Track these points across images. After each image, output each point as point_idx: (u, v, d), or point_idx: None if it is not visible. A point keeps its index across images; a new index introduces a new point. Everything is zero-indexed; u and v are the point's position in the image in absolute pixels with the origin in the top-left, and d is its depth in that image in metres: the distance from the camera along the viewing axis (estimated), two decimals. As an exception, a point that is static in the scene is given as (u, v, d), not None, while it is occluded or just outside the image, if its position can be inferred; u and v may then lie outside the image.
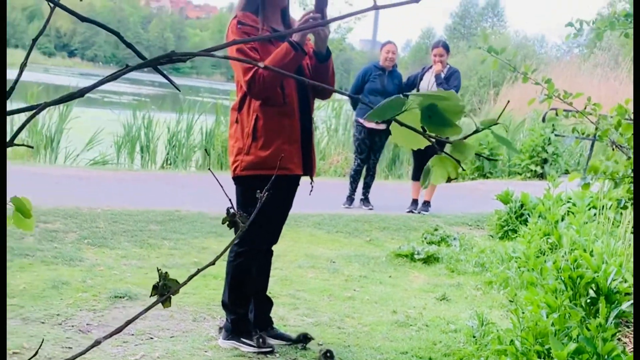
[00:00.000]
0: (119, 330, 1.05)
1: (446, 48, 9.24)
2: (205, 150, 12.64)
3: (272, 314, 4.82)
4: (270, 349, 4.41)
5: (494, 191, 8.74)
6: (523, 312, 4.39)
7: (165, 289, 1.10)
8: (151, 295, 1.10)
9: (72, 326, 4.59)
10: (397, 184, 12.48)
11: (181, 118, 13.48)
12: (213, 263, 1.12)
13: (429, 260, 6.93)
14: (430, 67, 9.32)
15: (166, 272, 1.13)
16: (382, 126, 9.08)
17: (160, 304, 1.10)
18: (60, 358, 4.03)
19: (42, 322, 4.60)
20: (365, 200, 9.56)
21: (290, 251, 6.88)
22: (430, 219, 8.89)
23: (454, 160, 0.91)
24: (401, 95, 0.91)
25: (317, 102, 13.52)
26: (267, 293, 4.89)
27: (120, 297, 5.14)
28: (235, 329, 4.45)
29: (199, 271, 1.12)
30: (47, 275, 5.42)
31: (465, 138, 0.91)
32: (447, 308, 5.61)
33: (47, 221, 6.87)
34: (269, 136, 4.16)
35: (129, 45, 1.06)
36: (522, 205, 8.16)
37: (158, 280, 1.12)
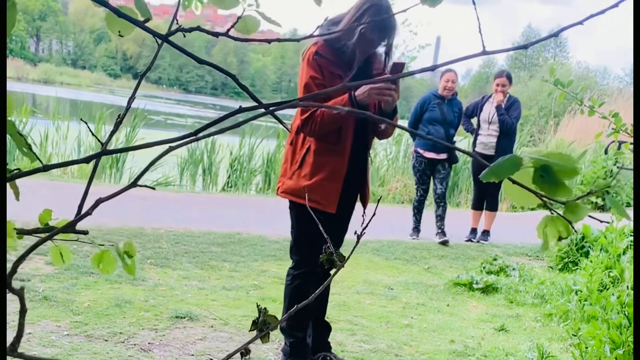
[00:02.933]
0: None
1: (509, 78, 9.18)
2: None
3: (330, 339, 4.86)
4: (330, 374, 4.45)
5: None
6: (587, 347, 4.34)
7: (264, 325, 1.15)
8: (250, 330, 1.16)
9: (134, 344, 4.70)
10: (456, 212, 12.40)
11: (244, 142, 13.68)
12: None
13: (488, 290, 6.88)
14: (491, 96, 9.28)
15: (265, 308, 1.18)
16: (443, 155, 8.98)
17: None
18: (122, 375, 4.14)
19: (105, 340, 4.71)
20: (441, 233, 9.17)
21: (349, 277, 6.91)
22: (489, 249, 8.82)
23: (566, 220, 0.95)
24: (517, 155, 0.95)
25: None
26: (325, 318, 4.93)
27: (182, 318, 5.23)
28: (294, 353, 4.50)
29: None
30: (110, 294, 5.56)
31: (578, 199, 0.95)
32: (505, 339, 5.56)
33: (112, 241, 7.02)
34: (314, 168, 4.20)
35: (243, 88, 1.12)
36: (583, 237, 8.04)
37: (257, 316, 1.18)
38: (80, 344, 4.58)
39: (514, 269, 7.66)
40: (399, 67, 4.01)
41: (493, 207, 9.61)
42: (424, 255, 8.22)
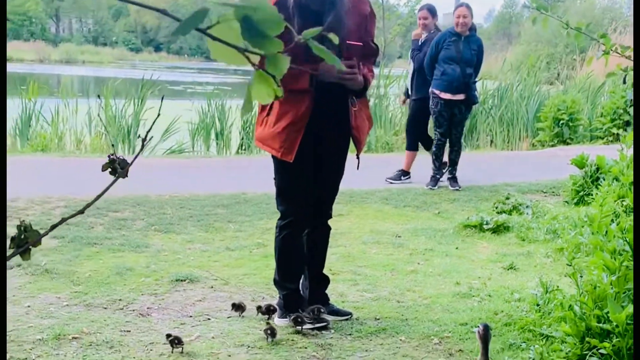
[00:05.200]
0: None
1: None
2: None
3: (331, 291, 4.81)
4: (325, 324, 4.39)
5: (573, 157, 8.41)
6: (581, 276, 4.22)
7: (23, 241, 1.07)
8: (9, 247, 1.08)
9: (133, 310, 4.69)
10: (473, 155, 12.21)
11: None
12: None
13: (499, 229, 6.75)
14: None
15: (24, 221, 1.10)
16: (460, 96, 8.54)
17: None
18: (117, 342, 4.12)
19: (104, 308, 4.71)
20: (452, 179, 8.84)
21: (356, 228, 6.84)
22: (504, 188, 8.65)
23: (268, 74, 0.85)
24: (205, 7, 0.86)
25: (390, 77, 13.24)
26: (328, 270, 4.88)
27: (182, 281, 5.21)
28: (287, 305, 4.44)
29: (63, 220, 1.09)
30: (112, 263, 5.56)
31: (282, 52, 0.85)
32: (514, 277, 5.46)
33: (117, 210, 7.05)
34: (278, 116, 4.19)
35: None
36: (597, 169, 7.84)
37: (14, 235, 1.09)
38: (78, 313, 4.58)
39: (527, 207, 7.51)
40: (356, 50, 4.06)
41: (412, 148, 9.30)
42: (435, 200, 8.10)
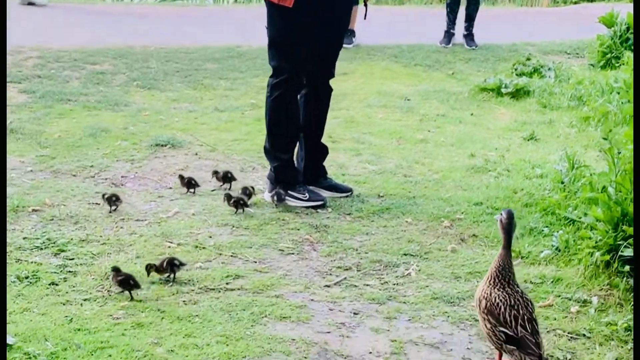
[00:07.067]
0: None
1: None
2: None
3: (330, 162, 4.24)
4: (321, 202, 3.85)
5: (599, 15, 7.62)
6: (619, 152, 3.59)
7: None
8: None
9: (105, 179, 4.16)
10: (491, 11, 11.33)
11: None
12: None
13: (518, 94, 6.13)
14: None
15: None
16: None
17: None
18: (83, 216, 3.60)
19: (73, 175, 4.19)
20: (468, 37, 8.02)
21: (361, 89, 6.21)
22: (524, 48, 7.93)
23: None
24: None
25: None
26: (327, 138, 4.29)
27: (162, 146, 4.66)
28: (280, 178, 3.88)
29: None
30: (86, 123, 4.99)
31: None
32: (534, 149, 4.89)
33: (96, 62, 6.40)
34: None
35: None
36: (628, 28, 7.09)
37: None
38: (42, 181, 4.05)
39: (549, 69, 6.85)
40: None
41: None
42: (449, 59, 7.40)
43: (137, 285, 2.85)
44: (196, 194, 3.98)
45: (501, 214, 2.47)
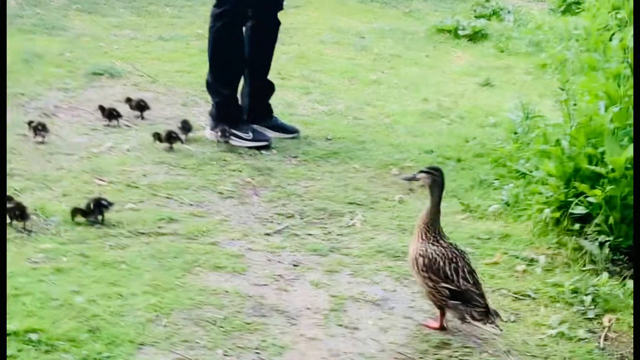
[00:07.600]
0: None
1: None
2: None
3: (277, 100, 4.05)
4: (265, 143, 3.66)
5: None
6: (575, 104, 3.45)
7: None
8: None
9: (36, 108, 3.92)
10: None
11: None
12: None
13: (476, 37, 6.02)
14: None
15: None
16: None
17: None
18: (10, 148, 3.35)
19: (1, 103, 3.90)
20: None
21: (313, 23, 6.01)
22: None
23: None
24: None
25: None
26: (275, 74, 4.08)
27: (100, 75, 4.42)
28: (222, 116, 3.67)
29: None
30: (20, 47, 4.70)
31: None
32: (489, 96, 4.77)
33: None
34: None
35: None
36: (591, -26, 6.95)
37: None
38: (-33, 109, 3.77)
39: (508, 12, 6.76)
40: None
41: None
42: (407, -4, 7.20)
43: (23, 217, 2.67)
44: (132, 126, 3.74)
45: (429, 170, 2.33)
